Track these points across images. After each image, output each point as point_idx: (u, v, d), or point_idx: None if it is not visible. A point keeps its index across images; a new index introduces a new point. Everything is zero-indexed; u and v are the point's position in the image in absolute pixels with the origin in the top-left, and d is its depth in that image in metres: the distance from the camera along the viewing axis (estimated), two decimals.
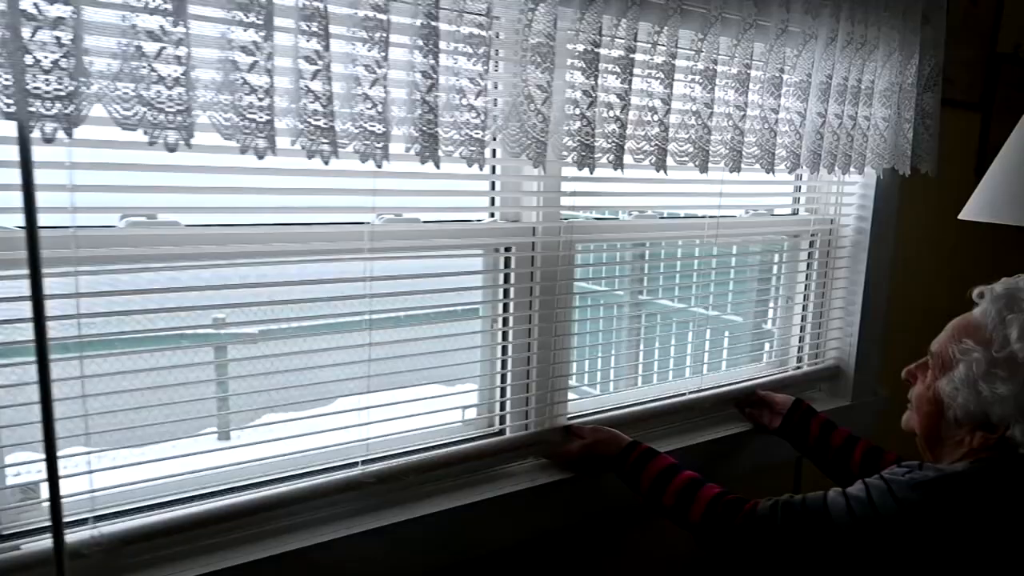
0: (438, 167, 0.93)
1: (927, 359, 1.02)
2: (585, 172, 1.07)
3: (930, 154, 1.50)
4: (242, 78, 0.78)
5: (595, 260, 1.43)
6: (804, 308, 1.62)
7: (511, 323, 1.19)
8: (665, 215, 1.38)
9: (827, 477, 1.29)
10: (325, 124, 0.84)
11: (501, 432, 1.23)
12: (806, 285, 1.61)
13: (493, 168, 1.19)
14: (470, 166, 0.97)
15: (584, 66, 1.04)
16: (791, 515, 0.95)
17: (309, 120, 0.83)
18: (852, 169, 1.41)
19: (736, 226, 1.49)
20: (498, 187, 1.19)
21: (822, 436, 1.30)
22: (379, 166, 0.89)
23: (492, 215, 1.20)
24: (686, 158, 1.18)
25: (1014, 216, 1.14)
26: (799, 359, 1.64)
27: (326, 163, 0.85)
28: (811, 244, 1.60)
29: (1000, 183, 1.20)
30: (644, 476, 1.09)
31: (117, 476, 0.95)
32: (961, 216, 1.26)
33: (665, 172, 1.16)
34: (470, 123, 0.96)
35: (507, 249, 1.18)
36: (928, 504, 0.89)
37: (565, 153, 1.05)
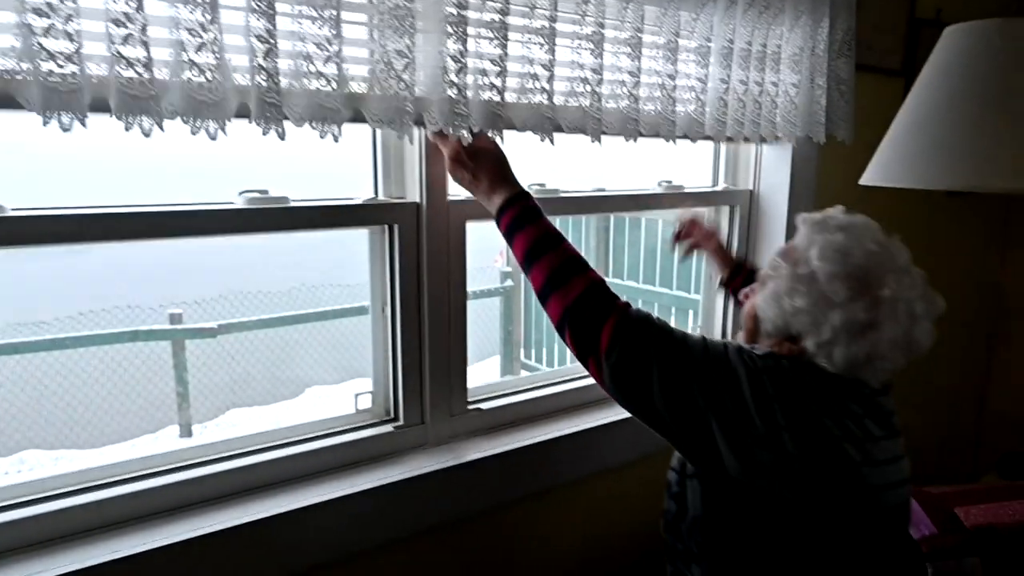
0: (282, 138, 0.88)
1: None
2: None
3: (846, 121, 1.46)
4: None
5: None
6: None
7: (398, 305, 1.14)
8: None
9: None
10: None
11: (394, 419, 1.18)
12: None
13: (374, 143, 1.13)
14: (322, 137, 0.91)
15: (451, 31, 0.98)
16: (660, 328, 0.95)
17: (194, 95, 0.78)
18: (762, 137, 1.36)
19: (650, 200, 1.44)
20: (380, 162, 1.14)
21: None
22: (212, 138, 0.83)
23: (376, 193, 1.15)
24: (576, 127, 1.13)
25: (906, 179, 1.10)
26: (723, 333, 1.60)
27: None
28: (731, 216, 1.56)
29: (895, 146, 1.16)
30: (538, 225, 1.02)
31: None
32: (861, 181, 1.22)
33: (552, 142, 1.11)
34: (320, 92, 0.90)
35: (391, 228, 1.13)
36: (773, 369, 0.93)
37: (433, 123, 1.00)
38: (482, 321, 4.15)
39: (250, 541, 0.97)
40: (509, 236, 1.03)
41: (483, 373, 4.32)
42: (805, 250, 0.97)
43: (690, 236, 1.39)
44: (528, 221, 1.02)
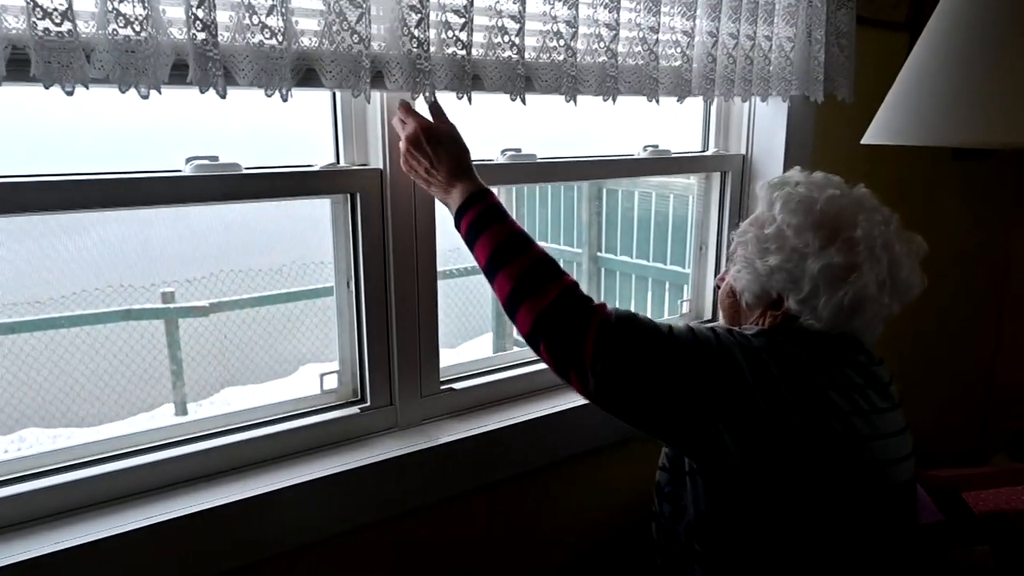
0: (223, 97, 0.80)
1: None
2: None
3: (846, 78, 1.37)
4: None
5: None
6: (718, 253, 1.50)
7: (363, 280, 1.07)
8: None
9: None
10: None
11: (361, 401, 1.11)
12: (719, 227, 1.49)
13: (335, 106, 1.05)
14: (268, 96, 0.83)
15: None
16: (646, 327, 0.88)
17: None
18: (755, 96, 1.28)
19: (634, 166, 1.36)
20: (340, 126, 1.06)
21: None
22: (144, 97, 0.76)
23: (338, 159, 1.07)
24: (549, 86, 1.05)
25: (913, 136, 1.02)
26: (714, 311, 1.53)
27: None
28: (723, 183, 1.47)
29: (901, 102, 1.07)
30: (504, 225, 0.94)
31: None
32: (864, 140, 1.14)
33: (523, 102, 1.03)
34: (264, 46, 0.82)
35: (353, 197, 1.05)
36: (770, 347, 0.88)
37: (394, 81, 0.92)
38: (474, 298, 4.09)
39: (209, 528, 0.91)
40: (470, 238, 0.95)
41: (475, 351, 4.27)
42: (768, 210, 0.95)
43: None
44: (492, 221, 0.94)
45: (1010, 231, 2.01)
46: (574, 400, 1.23)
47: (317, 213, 1.08)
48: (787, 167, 1.42)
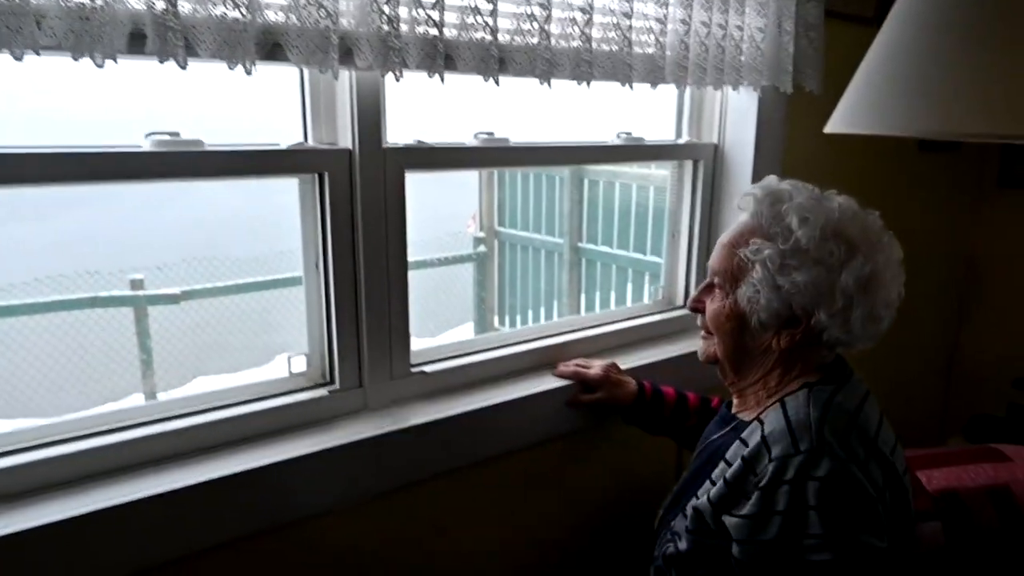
0: (183, 66, 0.79)
1: (710, 281, 1.00)
2: (408, 86, 0.93)
3: (815, 70, 1.39)
4: None
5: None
6: (690, 241, 1.51)
7: (331, 261, 1.06)
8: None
9: (662, 435, 1.25)
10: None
11: (330, 383, 1.10)
12: (691, 215, 1.50)
13: (302, 84, 1.04)
14: (231, 68, 0.82)
15: None
16: None
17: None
18: (726, 85, 1.29)
19: (608, 152, 1.37)
20: (308, 104, 1.04)
21: (680, 399, 1.23)
22: (99, 66, 0.74)
23: (306, 138, 1.06)
24: (523, 69, 1.05)
25: (876, 124, 1.03)
26: (686, 293, 1.54)
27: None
28: (695, 172, 1.48)
29: (864, 89, 1.08)
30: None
31: None
32: (826, 129, 1.15)
33: (496, 83, 1.02)
34: (226, 18, 0.80)
35: (321, 177, 1.04)
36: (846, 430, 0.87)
37: (364, 59, 0.91)
38: (454, 287, 4.07)
39: (175, 509, 0.90)
40: None
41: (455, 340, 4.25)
42: (775, 224, 0.92)
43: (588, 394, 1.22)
44: None
45: (974, 223, 2.06)
46: (546, 384, 1.23)
47: (290, 201, 1.07)
48: (758, 157, 1.43)
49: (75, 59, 0.73)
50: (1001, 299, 2.06)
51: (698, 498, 0.93)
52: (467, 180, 4.57)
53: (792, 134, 1.48)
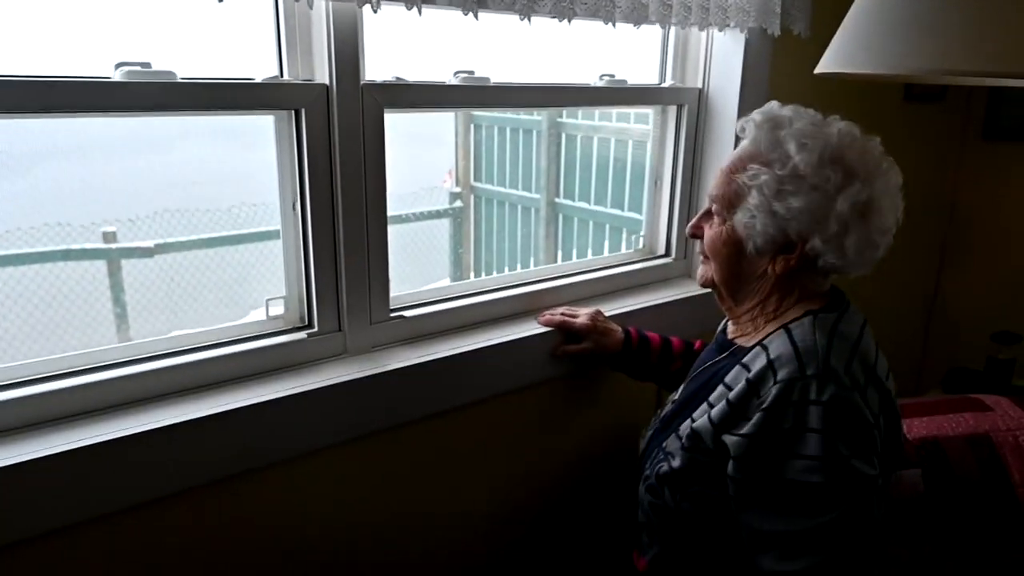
0: None
1: (708, 207, 1.01)
2: (387, 22, 0.89)
3: (802, 12, 1.37)
4: None
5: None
6: (672, 189, 1.50)
7: (308, 202, 1.04)
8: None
9: (647, 381, 1.27)
10: None
11: (308, 327, 1.09)
12: (674, 162, 1.48)
13: (277, 16, 1.00)
14: None
15: None
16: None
17: None
18: (712, 26, 1.26)
19: (591, 94, 1.34)
20: (284, 36, 1.00)
21: (665, 344, 1.24)
22: None
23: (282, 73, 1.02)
24: (502, 3, 1.01)
25: (865, 63, 1.01)
26: (668, 247, 1.54)
27: None
28: (678, 117, 1.46)
29: (854, 29, 1.06)
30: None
31: None
32: (817, 70, 1.13)
33: (476, 17, 0.99)
34: None
35: (297, 114, 1.01)
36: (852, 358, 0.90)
37: None
38: (431, 243, 4.03)
39: (152, 450, 0.89)
40: None
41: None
42: (774, 149, 0.92)
43: (595, 348, 1.21)
44: None
45: (956, 173, 2.06)
46: (528, 330, 1.23)
47: (262, 154, 1.04)
48: (743, 102, 1.41)
49: None
50: (982, 253, 2.07)
51: (694, 420, 0.94)
52: (442, 135, 4.50)
53: (777, 79, 1.46)
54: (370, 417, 1.08)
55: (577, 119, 3.63)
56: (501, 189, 4.21)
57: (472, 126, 4.08)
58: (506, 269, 4.19)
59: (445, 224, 4.19)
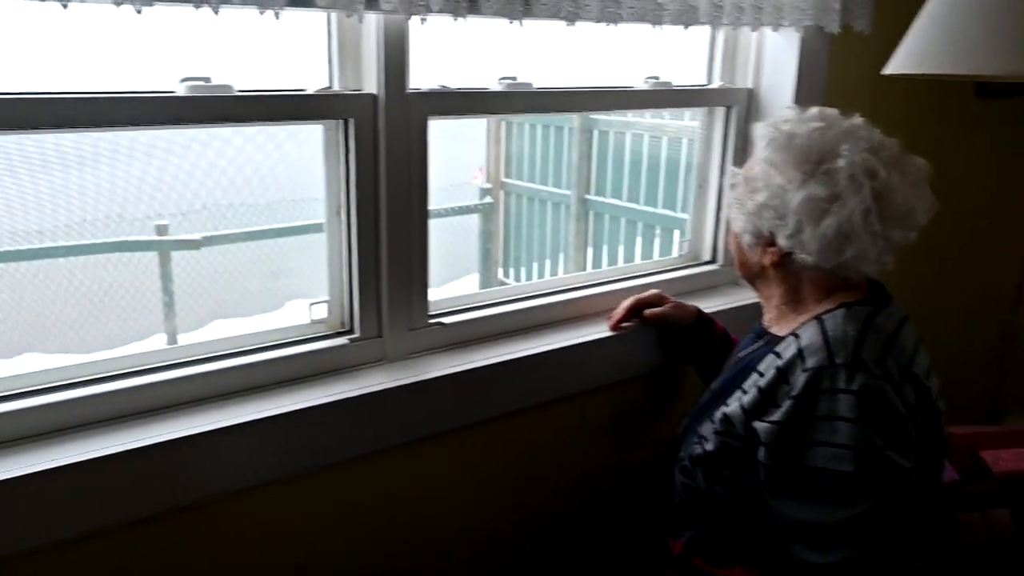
0: (216, 11, 0.76)
1: None
2: (435, 32, 0.89)
3: (864, 7, 1.30)
4: None
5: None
6: (720, 193, 1.46)
7: (354, 209, 1.04)
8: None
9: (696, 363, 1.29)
10: None
11: (349, 332, 1.10)
12: (721, 166, 1.44)
13: (329, 28, 1.00)
14: (261, 13, 0.79)
15: None
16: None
17: None
18: (765, 26, 1.21)
19: (635, 97, 1.31)
20: (335, 49, 1.01)
21: (726, 334, 1.25)
22: (138, 11, 0.72)
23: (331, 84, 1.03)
24: (549, 11, 1.00)
25: (941, 63, 0.96)
26: (714, 253, 1.50)
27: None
28: (726, 119, 1.42)
29: (930, 29, 1.01)
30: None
31: None
32: (886, 70, 1.08)
33: (521, 24, 0.98)
34: None
35: (346, 123, 1.01)
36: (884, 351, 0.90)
37: (390, 1, 0.87)
38: (460, 238, 4.05)
39: (194, 454, 0.91)
40: None
41: (459, 291, 4.23)
42: (757, 151, 0.97)
43: (666, 318, 1.23)
44: None
45: None
46: (568, 339, 1.21)
47: (303, 151, 1.06)
48: (797, 102, 1.36)
49: (116, 4, 0.73)
50: None
51: (728, 405, 0.96)
52: (471, 132, 4.50)
53: (834, 77, 1.40)
54: (409, 426, 1.08)
55: (610, 115, 3.58)
56: (532, 185, 4.18)
57: (503, 123, 4.06)
58: (535, 265, 4.16)
59: (474, 220, 4.21)
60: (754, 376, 0.94)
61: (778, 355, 0.92)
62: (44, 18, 0.81)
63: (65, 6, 0.74)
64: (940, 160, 0.97)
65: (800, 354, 0.89)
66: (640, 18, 1.06)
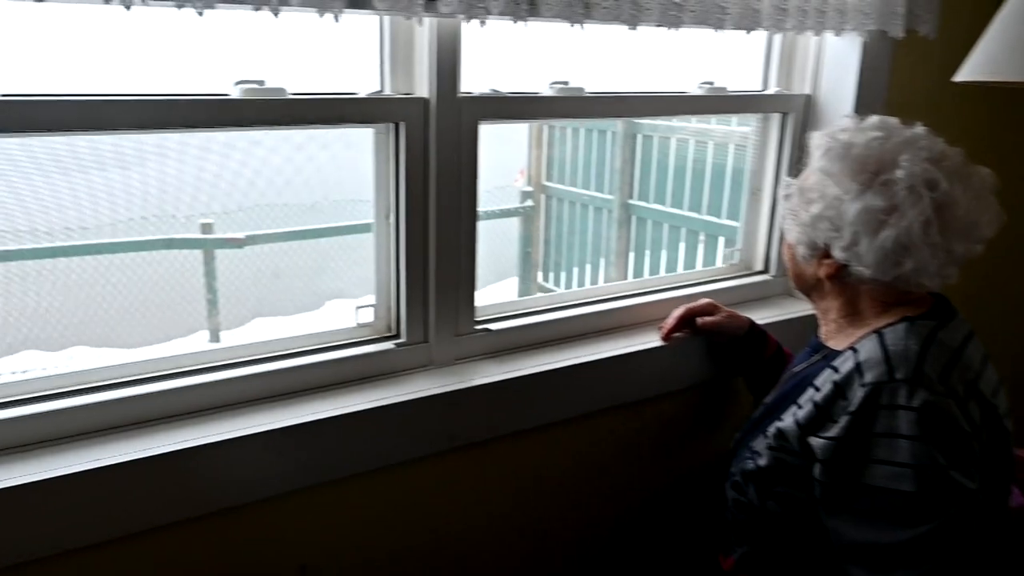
0: (276, 14, 0.76)
1: None
2: (485, 35, 0.88)
3: (931, 12, 1.25)
4: None
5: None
6: (774, 201, 1.42)
7: (403, 213, 1.03)
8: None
9: (747, 375, 1.25)
10: None
11: (396, 336, 1.10)
12: (776, 173, 1.40)
13: (381, 33, 1.00)
14: (321, 16, 0.79)
15: None
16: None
17: None
18: (828, 30, 1.17)
19: (689, 103, 1.28)
20: (388, 52, 1.00)
21: (779, 347, 1.22)
22: (200, 13, 0.72)
23: (382, 87, 1.02)
24: (609, 15, 0.97)
25: (1018, 71, 0.91)
26: (767, 262, 1.46)
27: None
28: (782, 126, 1.38)
29: (1006, 34, 0.96)
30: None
31: None
32: (957, 77, 1.03)
33: (582, 27, 0.96)
34: None
35: (397, 127, 1.01)
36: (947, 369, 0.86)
37: (448, 4, 0.86)
38: (500, 241, 4.04)
39: (240, 456, 0.91)
40: None
41: (499, 295, 4.24)
42: (812, 161, 0.94)
43: (719, 327, 1.21)
44: None
45: None
46: (616, 349, 1.19)
47: (350, 153, 1.06)
48: (859, 108, 1.32)
49: (179, 7, 0.74)
50: None
51: (782, 420, 0.93)
52: (512, 134, 4.50)
53: (897, 82, 1.35)
54: (453, 433, 1.06)
55: (655, 120, 3.52)
56: (573, 189, 4.15)
57: (545, 126, 4.03)
58: (575, 270, 4.12)
59: (514, 223, 4.20)
60: (810, 391, 0.91)
61: (835, 369, 0.89)
62: (103, 21, 0.82)
63: (128, 7, 0.75)
64: (1008, 170, 0.92)
65: (858, 368, 0.86)
66: (701, 22, 1.04)
